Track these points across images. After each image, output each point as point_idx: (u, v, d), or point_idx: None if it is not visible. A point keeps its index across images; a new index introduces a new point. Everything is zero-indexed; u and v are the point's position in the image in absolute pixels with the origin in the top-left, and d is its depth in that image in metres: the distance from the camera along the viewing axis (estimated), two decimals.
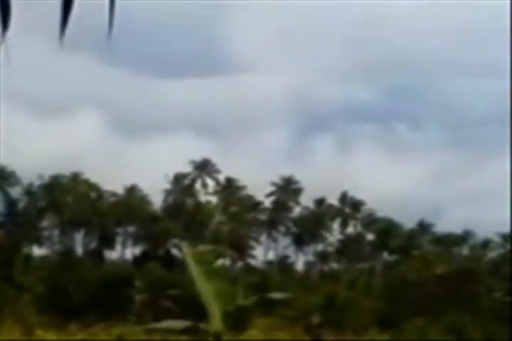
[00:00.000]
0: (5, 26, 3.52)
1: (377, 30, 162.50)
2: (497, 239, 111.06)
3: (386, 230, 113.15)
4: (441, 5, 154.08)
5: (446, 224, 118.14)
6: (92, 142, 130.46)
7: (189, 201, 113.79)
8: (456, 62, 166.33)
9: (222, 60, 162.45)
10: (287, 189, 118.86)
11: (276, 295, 14.00)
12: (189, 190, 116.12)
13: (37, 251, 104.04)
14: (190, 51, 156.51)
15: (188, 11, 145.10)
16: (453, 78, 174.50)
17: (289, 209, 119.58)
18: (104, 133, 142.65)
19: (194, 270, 11.64)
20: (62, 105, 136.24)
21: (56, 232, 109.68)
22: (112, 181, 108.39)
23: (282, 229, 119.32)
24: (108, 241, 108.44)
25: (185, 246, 13.62)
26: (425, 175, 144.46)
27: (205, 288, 11.48)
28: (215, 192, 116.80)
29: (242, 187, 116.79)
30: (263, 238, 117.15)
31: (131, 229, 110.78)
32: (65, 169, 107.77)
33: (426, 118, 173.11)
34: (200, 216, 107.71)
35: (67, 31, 3.51)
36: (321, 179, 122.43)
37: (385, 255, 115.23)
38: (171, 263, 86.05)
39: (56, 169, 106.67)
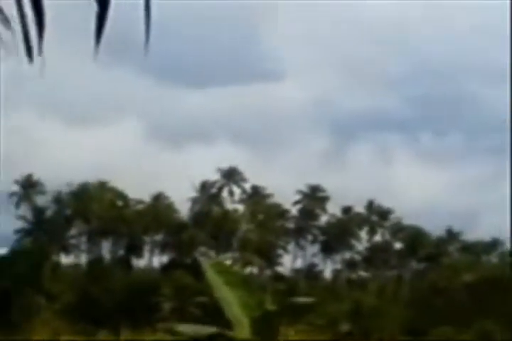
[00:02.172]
0: (40, 36, 3.59)
1: (403, 37, 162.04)
2: None
3: (414, 238, 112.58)
4: (453, 8, 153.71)
5: (475, 232, 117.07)
6: (124, 151, 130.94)
7: (216, 209, 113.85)
8: (483, 70, 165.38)
9: (252, 68, 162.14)
10: (314, 197, 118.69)
11: (302, 300, 13.90)
12: (216, 198, 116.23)
13: (64, 259, 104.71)
14: (220, 60, 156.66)
15: (218, 21, 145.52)
16: (480, 85, 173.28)
17: (316, 218, 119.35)
18: (138, 142, 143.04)
19: (215, 281, 11.60)
20: (94, 114, 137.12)
21: (84, 240, 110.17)
22: (144, 189, 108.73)
23: (309, 237, 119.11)
24: (135, 249, 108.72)
25: (204, 261, 13.59)
26: (453, 184, 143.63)
27: (230, 297, 11.44)
28: (242, 200, 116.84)
29: (269, 195, 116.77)
30: (290, 246, 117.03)
31: (158, 237, 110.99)
32: (97, 177, 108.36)
33: (455, 127, 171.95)
34: (227, 224, 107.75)
35: (101, 42, 3.57)
36: (349, 187, 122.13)
37: (413, 263, 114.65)
38: (198, 271, 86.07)
39: (87, 177, 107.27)
